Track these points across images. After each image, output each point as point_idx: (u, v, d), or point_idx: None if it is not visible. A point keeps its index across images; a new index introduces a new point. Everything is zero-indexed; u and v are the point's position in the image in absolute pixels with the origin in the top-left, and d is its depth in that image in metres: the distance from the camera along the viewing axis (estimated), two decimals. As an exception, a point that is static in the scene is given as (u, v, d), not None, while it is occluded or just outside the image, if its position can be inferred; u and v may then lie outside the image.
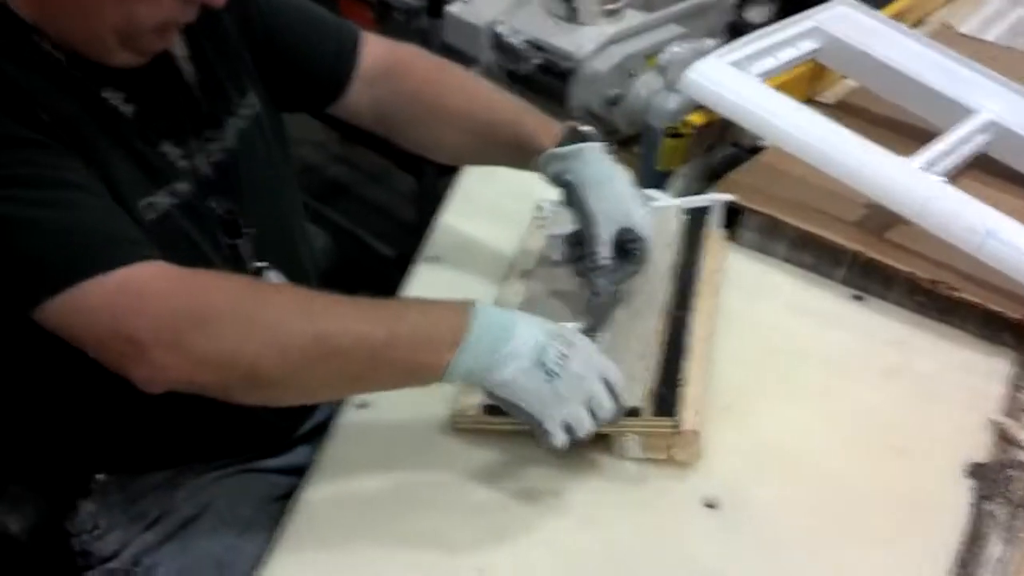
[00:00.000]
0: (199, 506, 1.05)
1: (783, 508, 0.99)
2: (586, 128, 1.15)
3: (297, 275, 1.08)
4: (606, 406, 0.91)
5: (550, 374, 0.87)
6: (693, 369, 1.04)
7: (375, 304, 0.89)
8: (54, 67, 0.87)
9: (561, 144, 1.12)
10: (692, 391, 1.01)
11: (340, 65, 1.14)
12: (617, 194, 1.10)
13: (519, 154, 1.15)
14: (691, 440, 0.98)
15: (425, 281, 1.26)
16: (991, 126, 1.45)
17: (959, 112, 1.46)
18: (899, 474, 1.04)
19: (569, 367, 0.88)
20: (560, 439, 0.90)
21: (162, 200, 0.93)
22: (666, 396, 0.99)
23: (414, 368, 0.88)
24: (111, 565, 1.02)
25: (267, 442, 1.10)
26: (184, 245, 0.95)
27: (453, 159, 1.25)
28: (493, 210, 1.40)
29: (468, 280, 1.23)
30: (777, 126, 1.35)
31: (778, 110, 1.37)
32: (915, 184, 1.28)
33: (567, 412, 0.89)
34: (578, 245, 1.14)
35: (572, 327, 0.99)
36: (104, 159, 0.88)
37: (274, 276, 1.04)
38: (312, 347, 0.84)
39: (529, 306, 1.13)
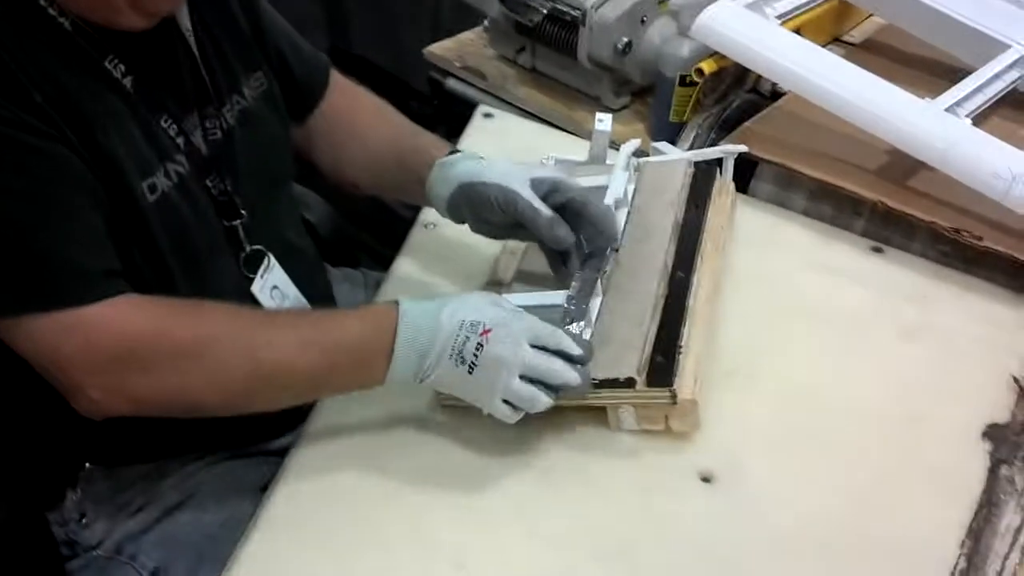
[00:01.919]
0: (184, 493, 1.04)
1: (783, 481, 0.95)
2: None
3: (291, 255, 1.08)
4: (556, 375, 0.89)
5: (470, 366, 0.88)
6: (694, 334, 1.00)
7: (314, 325, 0.92)
8: (58, 34, 0.86)
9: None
10: (691, 358, 0.97)
11: (308, 92, 1.15)
12: (507, 165, 1.03)
13: (414, 177, 1.10)
14: (689, 410, 0.94)
15: (421, 248, 1.23)
16: (1022, 61, 1.37)
17: (992, 47, 1.39)
18: (913, 440, 0.99)
19: (489, 354, 0.87)
20: (505, 414, 0.90)
21: (161, 181, 0.92)
22: (663, 365, 0.95)
23: (353, 385, 0.92)
24: (95, 553, 1.01)
25: (256, 431, 1.08)
26: (180, 228, 0.94)
27: (365, 186, 1.20)
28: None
29: (464, 247, 1.19)
30: (792, 71, 1.29)
31: (794, 54, 1.30)
32: (936, 127, 1.21)
33: (502, 393, 0.89)
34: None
35: (558, 296, 0.97)
36: (104, 137, 0.86)
37: (274, 267, 1.05)
38: (254, 382, 0.88)
39: (521, 279, 1.09)
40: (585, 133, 1.48)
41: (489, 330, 0.88)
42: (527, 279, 1.09)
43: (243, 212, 1.01)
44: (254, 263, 1.03)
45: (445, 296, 0.92)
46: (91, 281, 0.84)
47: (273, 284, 1.05)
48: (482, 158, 1.07)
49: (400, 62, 2.08)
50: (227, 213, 1.00)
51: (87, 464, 1.02)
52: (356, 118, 1.17)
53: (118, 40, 0.89)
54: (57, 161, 0.83)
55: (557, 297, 0.98)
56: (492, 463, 0.96)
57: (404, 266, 1.20)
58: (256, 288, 1.03)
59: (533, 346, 0.89)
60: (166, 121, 0.94)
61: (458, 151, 1.09)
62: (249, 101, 1.04)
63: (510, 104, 1.58)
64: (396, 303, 0.91)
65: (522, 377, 0.88)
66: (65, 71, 0.85)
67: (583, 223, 1.00)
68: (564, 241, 0.98)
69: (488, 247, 1.16)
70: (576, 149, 1.35)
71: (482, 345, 0.88)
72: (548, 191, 1.00)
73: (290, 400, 0.93)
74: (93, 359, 0.83)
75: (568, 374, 0.89)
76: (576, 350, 0.90)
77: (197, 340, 0.86)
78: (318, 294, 1.13)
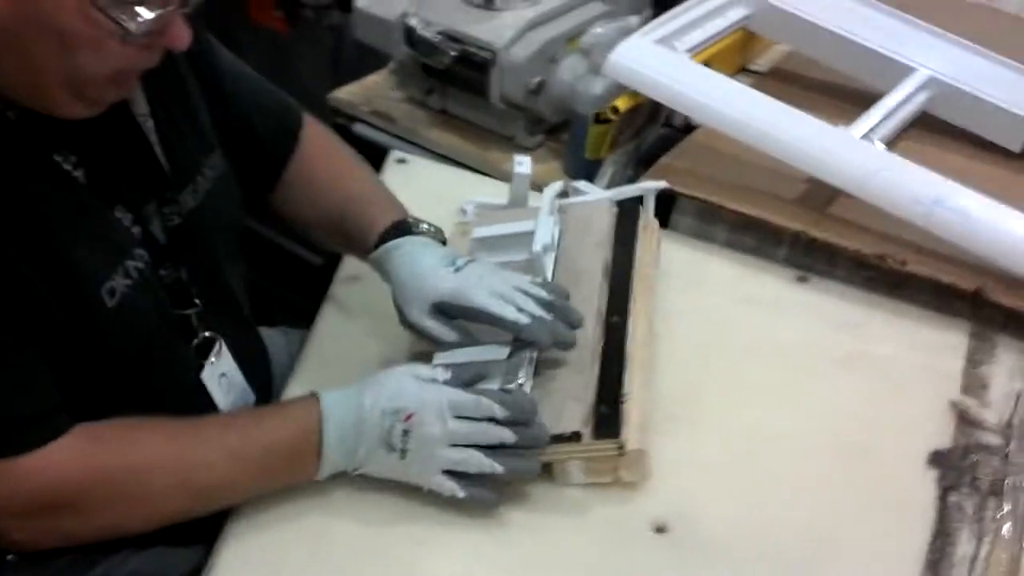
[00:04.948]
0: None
1: (738, 525, 0.93)
2: (412, 220, 1.11)
3: (243, 337, 1.07)
4: (487, 437, 0.89)
5: (401, 452, 0.88)
6: (634, 380, 0.97)
7: (242, 433, 0.90)
8: (3, 127, 0.80)
9: (381, 241, 1.05)
10: (635, 405, 0.94)
11: (274, 157, 1.12)
12: (419, 273, 1.01)
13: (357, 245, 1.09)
14: (637, 460, 0.92)
15: (344, 304, 1.18)
16: (931, 83, 1.40)
17: (898, 71, 1.41)
18: (862, 473, 0.99)
19: (416, 437, 0.88)
20: (451, 490, 0.89)
21: (119, 283, 0.87)
22: (608, 415, 0.92)
23: (287, 484, 0.92)
24: None
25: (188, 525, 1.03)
26: (138, 330, 0.90)
27: (316, 237, 1.19)
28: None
29: (388, 300, 1.15)
30: (706, 105, 1.29)
31: (706, 88, 1.30)
32: (854, 156, 1.22)
33: (439, 468, 0.89)
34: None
35: (495, 351, 0.96)
36: (58, 242, 0.82)
37: (223, 353, 1.01)
38: (188, 503, 0.88)
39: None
40: (500, 174, 1.46)
41: (412, 414, 0.88)
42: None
43: (197, 301, 0.96)
44: (204, 349, 0.99)
45: (363, 380, 0.92)
46: (22, 430, 0.81)
47: (221, 371, 1.01)
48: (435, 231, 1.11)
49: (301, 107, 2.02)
50: (180, 303, 0.95)
51: (9, 556, 0.95)
52: (318, 176, 1.15)
53: (68, 129, 0.83)
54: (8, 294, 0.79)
55: (498, 351, 0.95)
56: (434, 525, 0.92)
57: (326, 322, 1.16)
58: (206, 376, 0.99)
59: (459, 417, 0.88)
60: (121, 211, 0.89)
61: (401, 228, 1.06)
62: (209, 182, 0.99)
63: (421, 147, 1.55)
64: (315, 396, 0.91)
65: (454, 446, 0.88)
66: (13, 169, 0.80)
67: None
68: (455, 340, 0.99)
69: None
70: (494, 191, 1.33)
71: (408, 431, 0.88)
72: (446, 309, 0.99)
73: (222, 508, 0.92)
74: (22, 506, 0.82)
75: (501, 433, 0.88)
76: (500, 412, 0.88)
77: (131, 474, 0.86)
78: (259, 370, 1.11)
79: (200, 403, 0.99)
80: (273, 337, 1.27)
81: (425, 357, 1.01)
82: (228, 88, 1.05)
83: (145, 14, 0.75)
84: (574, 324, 0.98)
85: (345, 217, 1.10)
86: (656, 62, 1.32)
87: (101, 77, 0.80)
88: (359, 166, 1.19)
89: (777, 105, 1.26)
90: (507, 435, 0.88)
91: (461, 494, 0.89)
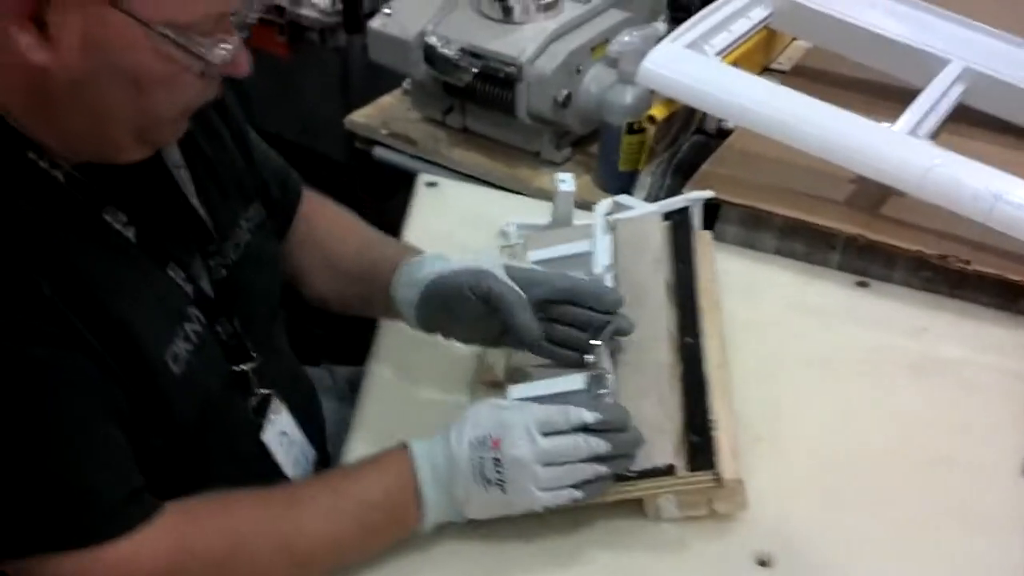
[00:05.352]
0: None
1: (843, 552, 0.89)
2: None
3: (294, 386, 1.03)
4: (581, 451, 0.83)
5: (499, 485, 0.83)
6: (719, 405, 0.93)
7: (336, 491, 0.86)
8: (51, 190, 0.76)
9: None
10: (724, 432, 0.90)
11: (283, 212, 1.07)
12: (473, 259, 0.97)
13: (379, 289, 1.03)
14: (735, 490, 0.88)
15: (393, 344, 1.12)
16: (966, 74, 1.36)
17: (931, 63, 1.37)
18: (955, 486, 0.95)
19: (508, 462, 0.83)
20: (568, 498, 0.84)
21: (181, 347, 0.83)
22: (700, 444, 0.88)
23: (391, 539, 0.87)
24: None
25: None
26: (203, 395, 0.86)
27: (332, 304, 1.12)
28: (450, 244, 1.17)
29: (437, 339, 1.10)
30: (748, 108, 1.24)
31: (746, 90, 1.26)
32: (906, 154, 1.18)
33: (541, 488, 0.83)
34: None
35: (575, 379, 0.92)
36: (117, 310, 0.77)
37: (280, 408, 0.97)
38: (293, 571, 0.84)
39: (516, 363, 1.01)
40: (531, 191, 1.42)
41: (498, 439, 0.83)
42: (522, 358, 1.01)
43: (253, 355, 0.92)
44: (262, 408, 0.95)
45: (446, 425, 0.87)
46: (114, 513, 0.76)
47: (281, 429, 0.97)
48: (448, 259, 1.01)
49: (311, 134, 1.97)
50: (237, 358, 0.91)
51: None
52: (325, 234, 1.10)
53: (113, 186, 0.80)
54: (67, 375, 0.74)
55: (574, 381, 0.91)
56: (531, 569, 0.88)
57: (380, 367, 1.10)
58: (267, 437, 0.95)
59: (546, 434, 0.83)
60: (173, 269, 0.84)
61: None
62: (248, 234, 0.95)
63: (445, 168, 1.50)
64: (403, 445, 0.87)
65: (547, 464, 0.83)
66: (65, 232, 0.75)
67: (581, 304, 0.94)
68: (531, 331, 0.92)
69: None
70: (531, 210, 1.29)
71: (498, 459, 0.83)
72: (524, 286, 0.94)
73: (332, 571, 0.86)
74: None
75: (596, 445, 0.83)
76: (591, 418, 0.84)
77: (229, 548, 0.81)
78: (312, 417, 1.07)
79: (262, 466, 0.95)
80: (316, 375, 1.22)
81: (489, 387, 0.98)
82: (252, 148, 1.01)
83: (228, 43, 0.73)
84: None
85: (365, 265, 1.06)
86: (690, 67, 1.28)
87: (169, 117, 0.77)
88: (361, 222, 1.14)
89: (820, 105, 1.23)
90: (602, 446, 0.83)
91: (579, 495, 0.84)
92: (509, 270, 0.96)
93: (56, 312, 0.72)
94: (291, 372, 1.05)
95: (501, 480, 0.83)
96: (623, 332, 0.95)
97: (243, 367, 0.91)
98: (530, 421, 0.83)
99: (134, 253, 0.81)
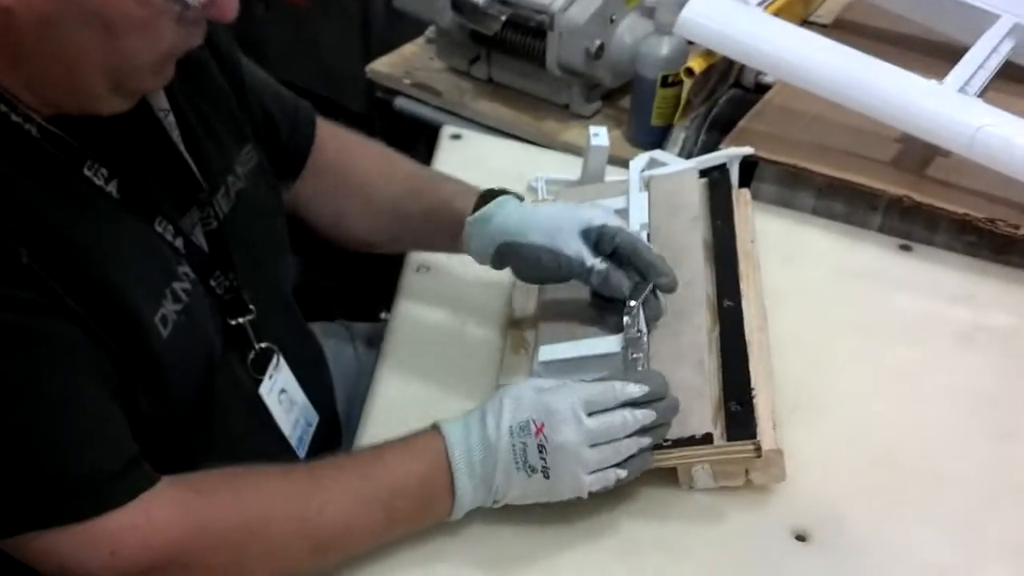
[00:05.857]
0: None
1: (885, 527, 0.85)
2: (499, 189, 0.99)
3: (298, 343, 0.98)
4: (628, 427, 0.79)
5: (543, 471, 0.79)
6: (758, 371, 0.89)
7: (364, 475, 0.81)
8: (25, 145, 0.70)
9: (476, 209, 0.96)
10: (763, 400, 0.86)
11: (296, 149, 1.01)
12: (552, 214, 0.93)
13: (444, 231, 1.00)
14: (774, 461, 0.83)
15: (416, 295, 1.08)
16: (1017, 29, 1.30)
17: (980, 19, 1.32)
18: (1009, 460, 0.91)
19: (554, 449, 0.78)
20: (614, 479, 0.81)
21: (170, 308, 0.78)
22: (740, 414, 0.83)
23: (418, 529, 0.83)
24: None
25: None
26: (194, 356, 0.81)
27: (380, 245, 1.08)
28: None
29: (464, 291, 1.06)
30: (792, 62, 1.19)
31: (790, 43, 1.20)
32: (959, 112, 1.13)
33: (588, 471, 0.79)
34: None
35: (611, 342, 0.87)
36: (103, 268, 0.72)
37: (281, 365, 0.92)
38: (314, 556, 0.79)
39: (546, 318, 0.97)
40: (558, 145, 1.38)
41: (542, 424, 0.79)
42: (552, 312, 0.97)
43: (251, 307, 0.87)
44: (261, 363, 0.90)
45: (482, 404, 0.82)
46: (110, 483, 0.71)
47: (281, 387, 0.92)
48: (520, 198, 0.97)
49: (329, 83, 1.92)
50: (233, 311, 0.86)
51: None
52: (353, 169, 1.04)
53: (93, 138, 0.74)
54: (55, 342, 0.69)
55: (610, 343, 0.87)
56: (562, 548, 0.83)
57: (403, 316, 1.06)
58: (264, 391, 0.90)
59: (591, 413, 0.79)
60: (161, 224, 0.79)
61: (492, 193, 0.97)
62: (242, 180, 0.89)
63: (468, 120, 1.45)
64: (436, 427, 0.82)
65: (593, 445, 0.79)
66: (40, 191, 0.70)
67: (632, 267, 0.90)
68: (620, 291, 0.89)
69: (491, 282, 1.05)
70: (560, 164, 1.24)
71: (543, 445, 0.79)
72: (596, 239, 0.90)
73: (349, 558, 0.82)
74: (122, 572, 0.72)
75: (642, 417, 0.79)
76: (638, 391, 0.79)
77: (246, 525, 0.76)
78: (317, 377, 1.02)
79: (258, 425, 0.90)
80: (331, 329, 1.18)
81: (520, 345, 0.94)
82: (248, 80, 0.95)
83: None
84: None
85: (426, 207, 1.01)
86: (732, 18, 1.22)
87: (147, 64, 0.71)
88: (391, 151, 1.08)
89: (868, 58, 1.17)
90: (649, 416, 0.79)
91: (623, 474, 0.80)
92: (583, 233, 0.92)
93: (36, 279, 0.67)
94: (296, 328, 1.00)
95: (545, 467, 0.79)
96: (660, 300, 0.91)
97: (240, 320, 0.87)
98: (576, 402, 0.79)
99: (116, 210, 0.75)
